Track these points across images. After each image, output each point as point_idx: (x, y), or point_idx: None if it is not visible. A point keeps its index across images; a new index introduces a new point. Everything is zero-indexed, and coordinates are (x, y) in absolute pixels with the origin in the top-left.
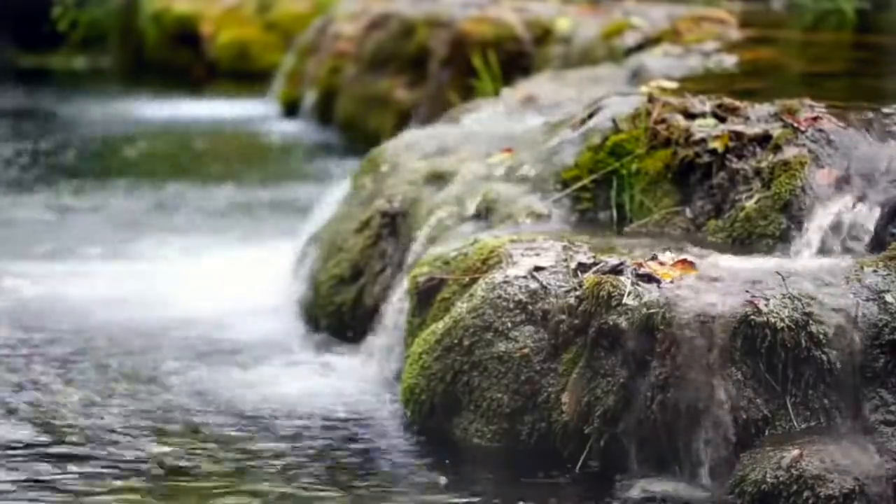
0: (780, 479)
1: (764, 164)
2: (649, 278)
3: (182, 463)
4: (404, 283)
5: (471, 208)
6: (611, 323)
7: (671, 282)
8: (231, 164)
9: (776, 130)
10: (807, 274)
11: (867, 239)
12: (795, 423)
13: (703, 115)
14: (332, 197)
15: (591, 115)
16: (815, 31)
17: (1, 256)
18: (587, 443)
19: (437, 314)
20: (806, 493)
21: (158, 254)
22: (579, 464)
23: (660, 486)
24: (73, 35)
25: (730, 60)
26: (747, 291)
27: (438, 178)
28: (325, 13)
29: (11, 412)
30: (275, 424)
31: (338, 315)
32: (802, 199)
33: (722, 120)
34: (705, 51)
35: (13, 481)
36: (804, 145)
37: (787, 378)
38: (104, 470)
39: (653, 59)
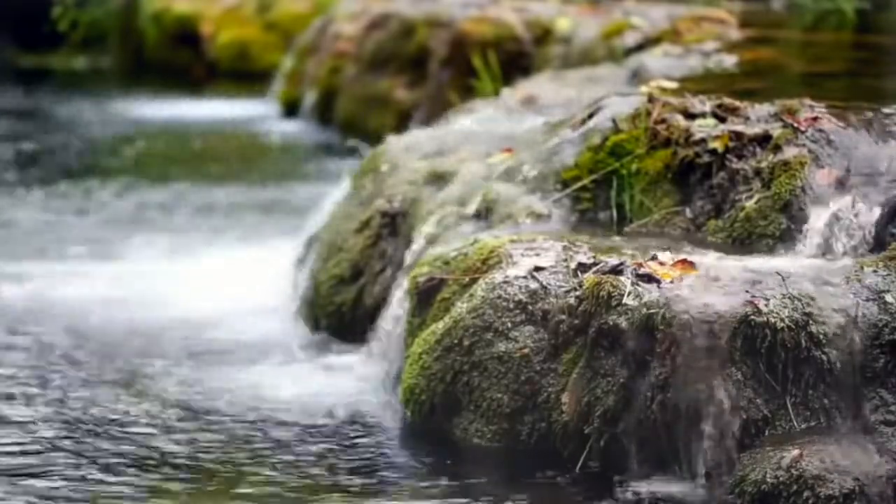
0: (780, 479)
1: (764, 164)
2: (649, 278)
3: (181, 463)
4: (404, 283)
5: (471, 208)
6: (611, 323)
7: (671, 282)
8: (231, 164)
9: (776, 130)
10: (807, 274)
11: (867, 239)
12: (795, 424)
13: (703, 115)
14: (332, 197)
15: (591, 115)
16: (815, 31)
17: (0, 256)
18: (587, 443)
19: (437, 314)
20: (806, 494)
21: (158, 254)
22: (579, 464)
23: (660, 487)
24: (73, 35)
25: (730, 60)
26: (747, 291)
27: (438, 179)
28: (325, 13)
29: (10, 412)
30: (274, 424)
31: (338, 315)
32: (802, 199)
33: (722, 120)
34: (705, 51)
35: (12, 482)
36: (804, 145)
37: (787, 378)
38: (102, 470)
39: (653, 59)
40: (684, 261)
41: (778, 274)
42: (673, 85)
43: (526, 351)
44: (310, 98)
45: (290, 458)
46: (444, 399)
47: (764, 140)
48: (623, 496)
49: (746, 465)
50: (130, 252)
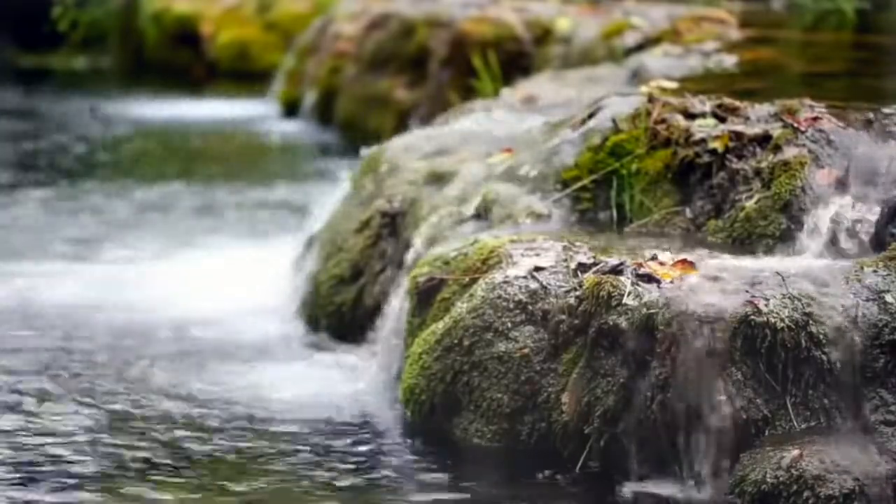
0: (780, 479)
1: (764, 164)
2: (649, 278)
3: (180, 463)
4: (404, 283)
5: (471, 208)
6: (611, 323)
7: (671, 282)
8: (231, 165)
9: (776, 130)
10: (807, 274)
11: (867, 239)
12: (795, 424)
13: (703, 115)
14: (332, 197)
15: (591, 116)
16: (815, 31)
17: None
18: (587, 443)
19: (437, 314)
20: (806, 494)
21: (157, 254)
22: (579, 464)
23: (660, 487)
24: (73, 35)
25: (730, 60)
26: (747, 291)
27: (438, 179)
28: (325, 13)
29: (9, 411)
30: (274, 425)
31: (338, 315)
32: (802, 199)
33: (722, 120)
34: (705, 51)
35: (10, 481)
36: (804, 145)
37: (787, 378)
38: (101, 471)
39: (653, 59)
40: (684, 261)
41: (778, 274)
42: (673, 85)
43: (526, 351)
44: (310, 98)
45: (290, 458)
46: (444, 399)
47: (764, 140)
48: (623, 496)
49: (746, 465)
50: (130, 252)
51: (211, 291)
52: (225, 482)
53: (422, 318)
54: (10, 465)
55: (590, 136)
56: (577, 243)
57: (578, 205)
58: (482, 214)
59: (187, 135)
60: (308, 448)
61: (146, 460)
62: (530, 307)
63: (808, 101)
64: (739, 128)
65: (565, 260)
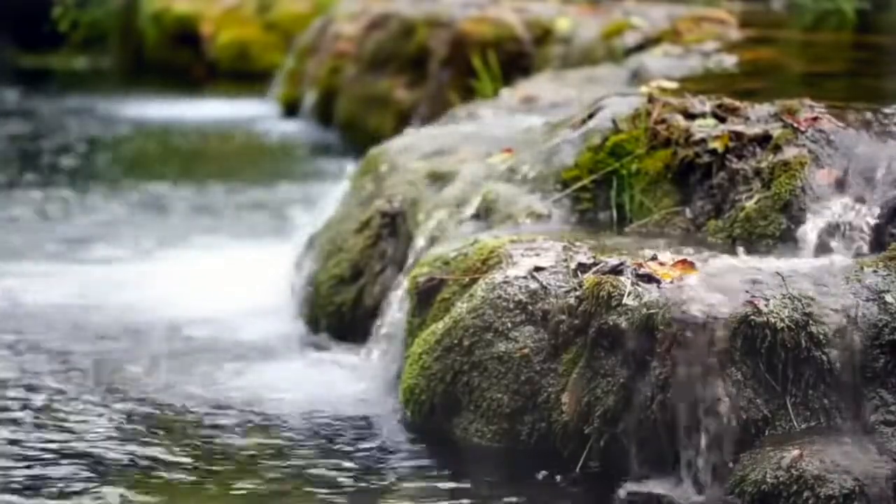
0: (780, 479)
1: (764, 165)
2: (649, 278)
3: (179, 463)
4: (404, 284)
5: (471, 209)
6: (611, 323)
7: (671, 282)
8: (231, 165)
9: (776, 130)
10: (807, 274)
11: (867, 239)
12: (795, 424)
13: (703, 115)
14: (332, 197)
15: (591, 116)
16: (815, 31)
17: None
18: (587, 443)
19: (437, 314)
20: (806, 494)
21: (157, 254)
22: (579, 464)
23: (660, 487)
24: (73, 35)
25: (730, 60)
26: (747, 291)
27: (438, 179)
28: (325, 13)
29: (9, 411)
30: (274, 425)
31: (338, 315)
32: (802, 199)
33: (722, 120)
34: (705, 51)
35: (9, 482)
36: (804, 145)
37: (787, 378)
38: (99, 471)
39: (653, 60)
40: (684, 261)
41: (778, 274)
42: (673, 85)
43: (526, 351)
44: (310, 98)
45: (290, 458)
46: (444, 399)
47: (764, 140)
48: (623, 496)
49: (746, 465)
50: (129, 252)
51: (211, 291)
52: (224, 482)
53: (422, 318)
54: (8, 466)
55: (590, 136)
56: (577, 243)
57: (578, 205)
58: (482, 215)
59: (187, 135)
60: (307, 448)
61: (146, 461)
62: (530, 307)
63: (808, 101)
64: (739, 128)
65: (565, 260)
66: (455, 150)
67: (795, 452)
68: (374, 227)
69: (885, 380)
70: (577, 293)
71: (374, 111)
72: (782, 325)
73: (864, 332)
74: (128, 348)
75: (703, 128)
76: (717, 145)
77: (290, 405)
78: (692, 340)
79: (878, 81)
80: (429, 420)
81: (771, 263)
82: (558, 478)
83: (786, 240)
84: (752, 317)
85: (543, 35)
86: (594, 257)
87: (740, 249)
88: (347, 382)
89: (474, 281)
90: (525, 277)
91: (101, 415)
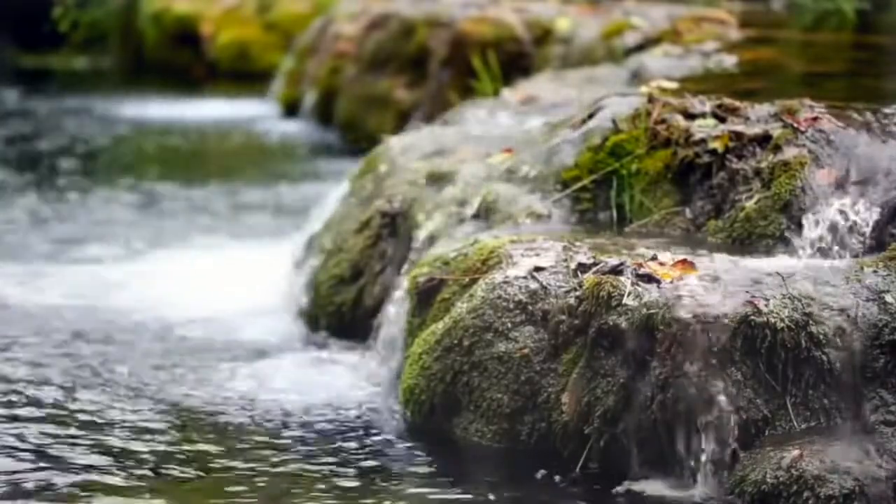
0: (780, 479)
1: (764, 165)
2: (649, 278)
3: (179, 463)
4: (404, 284)
5: (471, 209)
6: (611, 323)
7: (671, 282)
8: (231, 165)
9: (776, 130)
10: (807, 274)
11: (867, 239)
12: (795, 424)
13: (703, 115)
14: (332, 197)
15: (591, 116)
16: (815, 31)
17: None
18: (587, 443)
19: (437, 314)
20: (806, 494)
21: (156, 254)
22: (579, 464)
23: (660, 487)
24: (73, 35)
25: (730, 60)
26: (747, 292)
27: (438, 179)
28: (325, 13)
29: (11, 410)
30: (274, 424)
31: (338, 315)
32: (802, 199)
33: (722, 120)
34: (705, 51)
35: (14, 478)
36: (804, 145)
37: (787, 378)
38: (100, 471)
39: (653, 60)
40: (684, 261)
41: (778, 274)
42: (673, 85)
43: (526, 351)
44: (310, 98)
45: (290, 457)
46: (444, 399)
47: (764, 140)
48: (623, 496)
49: (746, 465)
50: (129, 252)
51: (211, 291)
52: (222, 482)
53: (422, 318)
54: (5, 466)
55: (590, 137)
56: (577, 243)
57: (578, 205)
58: (482, 215)
59: (187, 135)
60: (307, 448)
61: (145, 461)
62: (530, 307)
63: (808, 101)
64: (739, 128)
65: (565, 260)
66: (455, 150)
67: (795, 452)
68: (374, 227)
69: (885, 380)
70: (577, 293)
71: (374, 111)
72: (782, 325)
73: (864, 332)
74: (126, 348)
75: (703, 128)
76: (717, 145)
77: (290, 405)
78: (692, 340)
79: (878, 81)
80: (429, 420)
81: (771, 263)
82: (558, 478)
83: (786, 240)
84: (752, 317)
85: (543, 35)
86: (594, 257)
87: (740, 249)
88: (347, 382)
89: (474, 281)
90: (525, 277)
91: (97, 415)
